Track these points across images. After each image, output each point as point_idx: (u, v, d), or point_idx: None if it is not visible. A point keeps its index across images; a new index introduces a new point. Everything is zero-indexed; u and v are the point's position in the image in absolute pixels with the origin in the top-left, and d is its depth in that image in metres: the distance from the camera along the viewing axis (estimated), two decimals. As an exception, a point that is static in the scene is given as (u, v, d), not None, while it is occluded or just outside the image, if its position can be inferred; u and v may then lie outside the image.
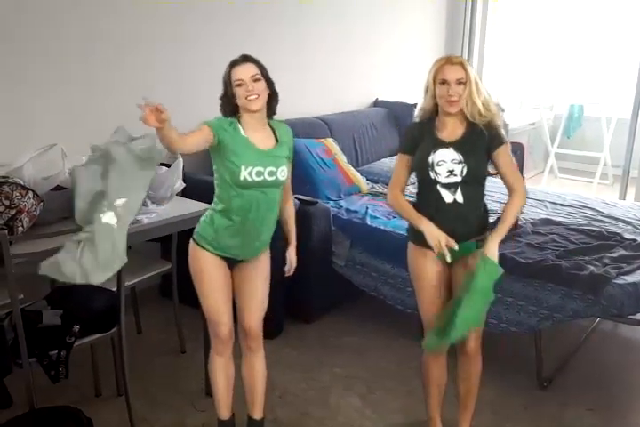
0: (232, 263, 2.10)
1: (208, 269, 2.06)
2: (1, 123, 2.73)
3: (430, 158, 2.04)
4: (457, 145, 2.04)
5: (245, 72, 1.95)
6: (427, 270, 2.12)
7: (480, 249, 2.07)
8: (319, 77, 4.24)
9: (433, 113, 2.09)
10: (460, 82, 1.98)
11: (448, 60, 2.01)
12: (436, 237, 1.99)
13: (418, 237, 2.09)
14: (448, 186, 2.05)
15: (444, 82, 1.99)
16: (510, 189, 2.09)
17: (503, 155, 2.06)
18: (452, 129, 2.07)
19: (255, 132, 2.01)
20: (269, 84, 2.01)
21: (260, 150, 1.99)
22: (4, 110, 2.73)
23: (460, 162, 2.03)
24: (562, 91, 6.53)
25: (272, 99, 2.04)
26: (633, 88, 4.61)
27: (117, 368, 2.48)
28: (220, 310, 2.10)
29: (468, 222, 2.08)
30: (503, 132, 2.09)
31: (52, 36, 2.83)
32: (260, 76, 1.96)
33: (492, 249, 2.01)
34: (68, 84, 2.93)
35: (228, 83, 1.98)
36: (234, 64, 1.97)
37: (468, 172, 2.04)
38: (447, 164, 2.03)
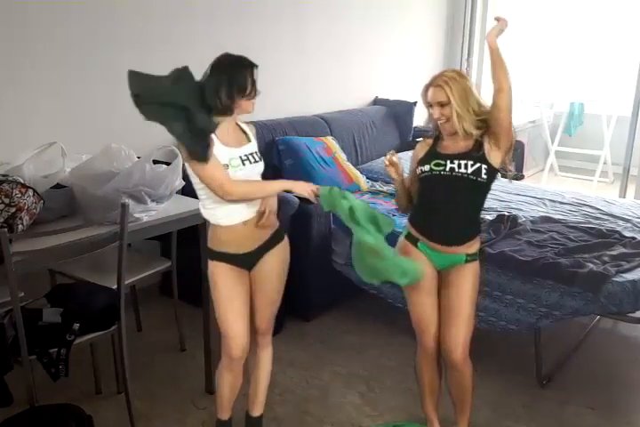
0: (249, 267, 2.10)
1: (226, 287, 2.06)
2: (1, 121, 2.73)
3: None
4: (460, 156, 2.06)
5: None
6: (423, 280, 2.11)
7: (468, 264, 2.10)
8: (319, 76, 4.23)
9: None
10: (441, 104, 2.00)
11: (432, 82, 2.04)
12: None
13: (414, 237, 2.12)
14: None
15: (429, 105, 2.04)
16: None
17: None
18: (457, 140, 2.08)
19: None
20: None
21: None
22: (4, 109, 2.74)
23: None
24: (562, 88, 6.52)
25: None
26: (633, 86, 4.59)
27: (117, 366, 2.49)
28: (235, 328, 2.07)
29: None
30: None
31: (51, 36, 2.83)
32: None
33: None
34: (67, 83, 2.93)
35: (251, 82, 1.94)
36: (253, 67, 1.95)
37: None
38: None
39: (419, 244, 2.13)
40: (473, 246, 2.12)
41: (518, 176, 4.61)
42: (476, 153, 2.03)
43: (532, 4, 6.19)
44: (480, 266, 2.17)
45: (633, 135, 4.69)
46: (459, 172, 2.02)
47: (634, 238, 2.94)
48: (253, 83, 1.94)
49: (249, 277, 2.12)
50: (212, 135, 1.91)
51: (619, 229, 3.10)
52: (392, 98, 4.72)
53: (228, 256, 2.05)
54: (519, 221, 3.18)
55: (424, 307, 2.15)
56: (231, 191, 1.90)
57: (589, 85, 6.37)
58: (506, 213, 3.27)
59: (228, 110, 1.94)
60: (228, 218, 2.01)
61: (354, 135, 4.20)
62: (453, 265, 2.12)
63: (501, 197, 3.68)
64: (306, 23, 4.04)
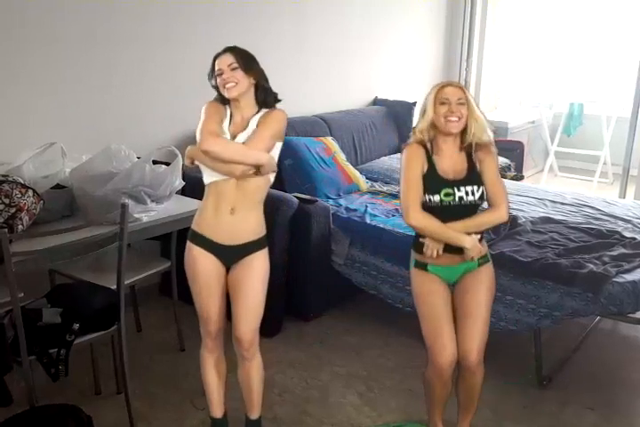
0: (227, 263, 2.10)
1: (200, 266, 2.08)
2: (1, 122, 2.73)
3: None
4: (465, 181, 2.06)
5: (223, 62, 2.00)
6: (432, 295, 2.11)
7: (481, 267, 2.11)
8: (318, 76, 4.23)
9: (430, 135, 2.08)
10: (460, 102, 2.01)
11: (448, 84, 2.06)
12: (479, 250, 2.05)
13: (422, 263, 2.12)
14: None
15: (444, 102, 2.01)
16: (490, 204, 2.09)
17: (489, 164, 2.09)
18: (449, 157, 2.07)
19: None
20: (254, 73, 2.02)
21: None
22: (4, 109, 2.73)
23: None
24: (561, 89, 6.53)
25: (257, 89, 2.05)
26: (633, 86, 4.60)
27: (117, 366, 2.49)
28: (209, 306, 2.11)
29: None
30: (494, 149, 2.11)
31: (51, 36, 2.82)
32: (236, 65, 1.99)
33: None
34: (67, 83, 2.92)
35: (211, 75, 2.04)
36: (216, 56, 2.03)
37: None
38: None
39: (428, 267, 2.12)
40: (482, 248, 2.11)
41: (518, 177, 4.62)
42: (476, 174, 2.06)
43: (532, 4, 6.20)
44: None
45: (632, 136, 4.69)
46: (467, 200, 2.04)
47: (634, 239, 2.94)
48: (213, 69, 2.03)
49: (226, 280, 2.12)
50: (226, 119, 2.04)
51: (619, 229, 3.10)
52: (392, 98, 4.72)
53: (210, 243, 2.05)
54: (519, 221, 3.18)
55: (440, 331, 2.08)
56: (207, 140, 1.94)
57: (589, 86, 6.37)
58: (506, 214, 3.27)
59: (224, 99, 2.04)
60: (211, 173, 2.02)
61: (353, 135, 4.20)
62: (467, 272, 2.11)
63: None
64: (305, 23, 4.04)
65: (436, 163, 2.07)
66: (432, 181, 2.05)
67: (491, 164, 2.08)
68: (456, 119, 2.01)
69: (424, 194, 2.05)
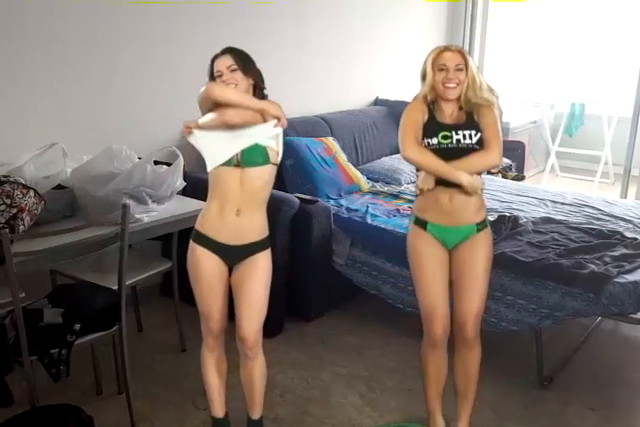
0: (230, 263, 2.10)
1: (203, 266, 2.08)
2: (1, 122, 2.73)
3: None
4: (464, 126, 2.07)
5: (222, 63, 2.01)
6: (428, 255, 2.12)
7: (480, 233, 2.10)
8: (319, 76, 4.23)
9: (432, 96, 2.10)
10: (458, 68, 2.02)
11: (446, 48, 2.08)
12: (478, 186, 2.04)
13: (422, 220, 2.12)
14: None
15: (442, 68, 2.03)
16: (484, 147, 2.06)
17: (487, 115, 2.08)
18: (450, 114, 2.09)
19: None
20: (252, 74, 2.03)
21: None
22: (4, 109, 2.73)
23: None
24: (563, 89, 6.52)
25: (255, 90, 2.05)
26: (634, 86, 4.59)
27: (118, 367, 2.49)
28: (211, 305, 2.11)
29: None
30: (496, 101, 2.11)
31: (50, 37, 2.82)
32: (235, 67, 1.99)
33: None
34: (67, 83, 2.93)
35: (211, 76, 2.05)
36: (215, 57, 2.04)
37: None
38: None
39: (427, 226, 2.11)
40: (480, 214, 2.12)
41: (519, 177, 4.62)
42: (475, 122, 2.07)
43: (534, 4, 6.19)
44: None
45: (634, 136, 4.69)
46: (464, 143, 2.04)
47: (635, 239, 2.94)
48: (212, 72, 2.04)
49: (229, 279, 2.12)
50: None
51: (620, 229, 3.10)
52: (393, 98, 4.72)
53: (213, 243, 2.05)
54: (520, 221, 3.18)
55: (433, 294, 2.11)
56: (212, 84, 1.98)
57: (590, 86, 6.37)
58: (507, 214, 3.27)
59: None
60: (213, 153, 1.99)
61: (354, 136, 4.20)
62: (465, 239, 2.11)
63: (502, 197, 3.67)
64: (306, 23, 4.04)
65: (436, 114, 2.09)
66: (431, 127, 2.07)
67: (489, 114, 2.07)
68: (454, 86, 2.03)
69: (423, 138, 2.06)
